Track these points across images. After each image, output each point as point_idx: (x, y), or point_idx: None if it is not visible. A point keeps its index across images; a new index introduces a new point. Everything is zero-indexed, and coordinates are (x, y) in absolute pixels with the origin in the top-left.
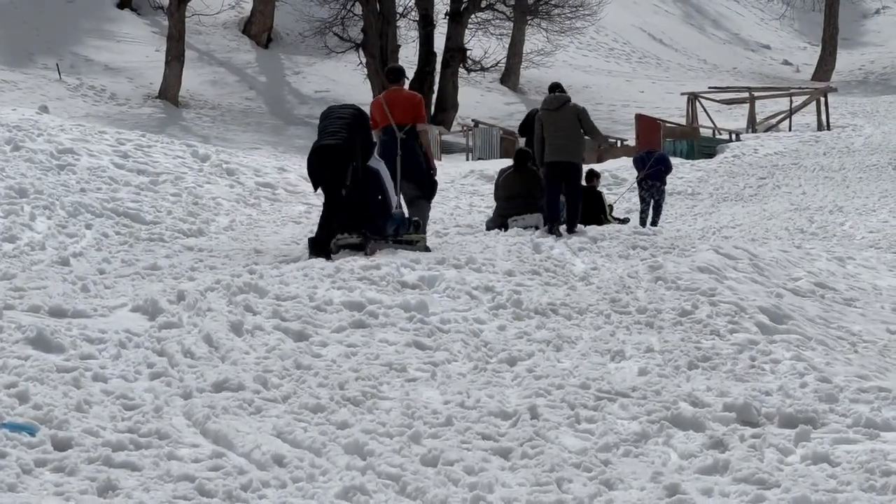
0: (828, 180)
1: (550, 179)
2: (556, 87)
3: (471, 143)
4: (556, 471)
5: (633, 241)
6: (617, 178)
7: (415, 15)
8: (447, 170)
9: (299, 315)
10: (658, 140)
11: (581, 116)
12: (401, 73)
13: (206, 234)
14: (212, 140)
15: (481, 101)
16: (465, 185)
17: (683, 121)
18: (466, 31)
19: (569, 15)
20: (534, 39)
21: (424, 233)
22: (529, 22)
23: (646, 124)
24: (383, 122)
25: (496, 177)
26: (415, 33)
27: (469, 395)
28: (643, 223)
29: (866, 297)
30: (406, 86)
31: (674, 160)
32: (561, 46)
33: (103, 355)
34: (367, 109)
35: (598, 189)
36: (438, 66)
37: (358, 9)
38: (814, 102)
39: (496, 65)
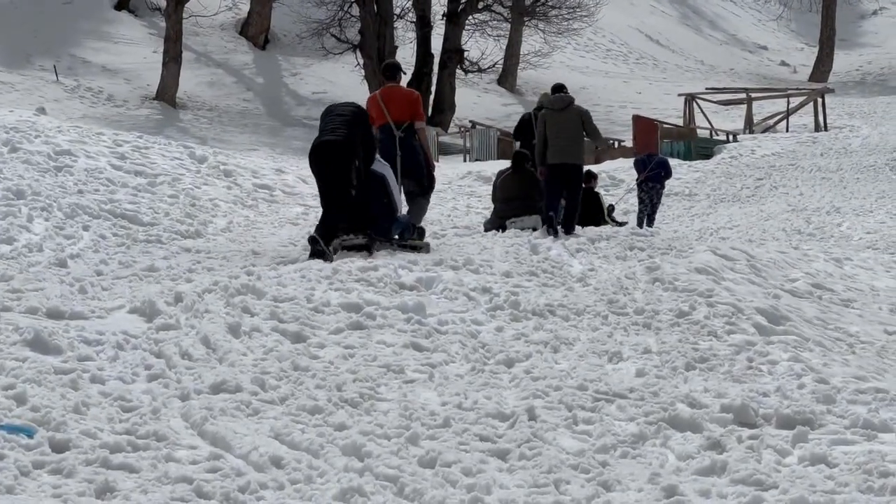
0: (825, 181)
1: (551, 181)
2: (560, 88)
3: (468, 145)
4: (554, 472)
5: (630, 243)
6: (614, 179)
7: (412, 16)
8: (444, 171)
9: (297, 316)
10: (655, 141)
11: (584, 119)
12: (397, 69)
13: (204, 236)
14: (209, 141)
15: (478, 103)
16: (462, 187)
17: (681, 122)
18: (464, 33)
19: (566, 16)
20: (531, 41)
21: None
22: (527, 23)
23: (643, 125)
24: (380, 119)
25: (494, 178)
26: (412, 34)
27: (467, 397)
28: (640, 225)
29: (864, 298)
30: (403, 82)
31: (671, 161)
32: (558, 48)
33: (101, 357)
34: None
35: (596, 190)
36: (436, 68)
37: (355, 10)
38: (811, 103)
39: (493, 66)
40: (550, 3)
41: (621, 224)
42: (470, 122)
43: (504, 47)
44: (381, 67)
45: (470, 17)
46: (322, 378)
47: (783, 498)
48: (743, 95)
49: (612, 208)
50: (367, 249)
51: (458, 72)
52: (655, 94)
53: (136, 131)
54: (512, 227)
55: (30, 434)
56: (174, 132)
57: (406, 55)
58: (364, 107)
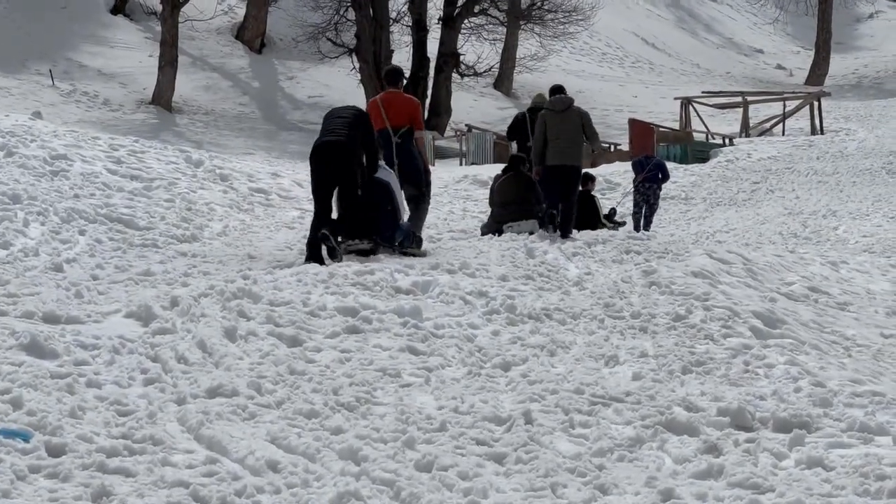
0: (821, 185)
1: (549, 182)
2: (559, 90)
3: (464, 148)
4: (551, 476)
5: (626, 246)
6: (610, 182)
7: (408, 20)
8: (441, 175)
9: (293, 320)
10: (652, 145)
11: (584, 121)
12: (399, 75)
13: (200, 240)
14: (205, 145)
15: (475, 106)
16: (458, 190)
17: (677, 125)
18: (460, 36)
19: (562, 20)
20: (527, 44)
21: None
22: (523, 27)
23: (639, 129)
24: (379, 124)
25: (491, 182)
26: (408, 38)
27: (463, 401)
28: (637, 226)
29: (860, 301)
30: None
31: (668, 165)
32: (554, 51)
33: (97, 361)
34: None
35: (593, 193)
36: (432, 72)
37: (351, 14)
38: (807, 107)
39: (489, 70)
40: (546, 7)
41: (621, 224)
42: (466, 125)
43: (500, 51)
44: (383, 72)
45: (466, 21)
46: (318, 382)
47: (780, 501)
48: (739, 99)
49: (613, 212)
50: (371, 254)
51: (454, 76)
52: (651, 98)
53: (132, 135)
54: (509, 232)
55: (26, 438)
56: (170, 136)
57: (402, 59)
58: (365, 110)
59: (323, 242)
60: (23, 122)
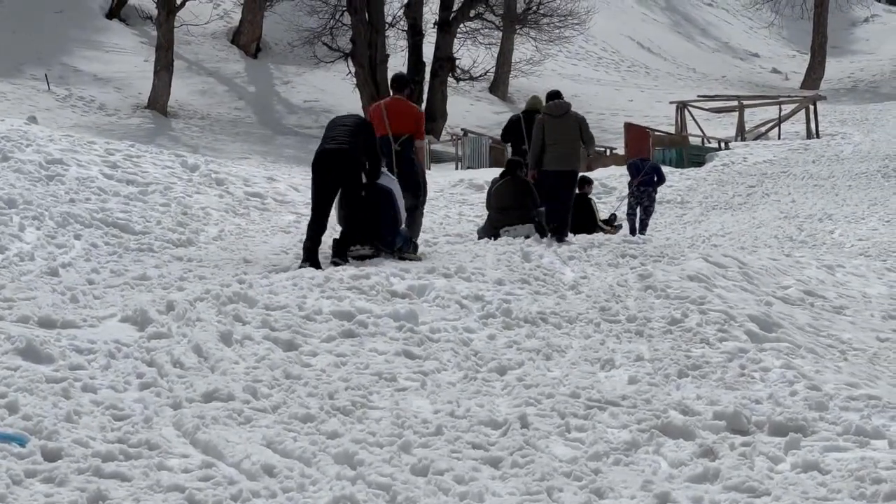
0: (817, 188)
1: (548, 187)
2: (556, 95)
3: (460, 153)
4: (547, 480)
5: (622, 250)
6: (606, 186)
7: (404, 24)
8: (436, 179)
9: (289, 325)
10: (647, 149)
11: (582, 126)
12: (406, 82)
13: (196, 244)
14: (201, 150)
15: (470, 111)
16: (454, 195)
17: (672, 129)
18: (455, 41)
19: (557, 24)
20: (522, 48)
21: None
22: (518, 31)
23: (635, 133)
24: (380, 130)
25: (488, 186)
26: (404, 43)
27: (459, 405)
28: (632, 229)
29: (856, 305)
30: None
31: (663, 168)
32: (550, 55)
33: (93, 366)
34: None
35: (590, 196)
36: (427, 76)
37: (347, 18)
38: (803, 110)
39: (485, 74)
40: (542, 12)
41: (617, 227)
42: (462, 129)
43: (495, 55)
44: (391, 79)
45: (461, 26)
46: (314, 386)
47: None
48: (735, 103)
49: (613, 217)
50: (370, 258)
51: (450, 80)
52: (647, 102)
53: (127, 140)
54: (506, 237)
55: (22, 443)
56: (166, 141)
57: (398, 63)
58: (367, 117)
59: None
60: (18, 126)
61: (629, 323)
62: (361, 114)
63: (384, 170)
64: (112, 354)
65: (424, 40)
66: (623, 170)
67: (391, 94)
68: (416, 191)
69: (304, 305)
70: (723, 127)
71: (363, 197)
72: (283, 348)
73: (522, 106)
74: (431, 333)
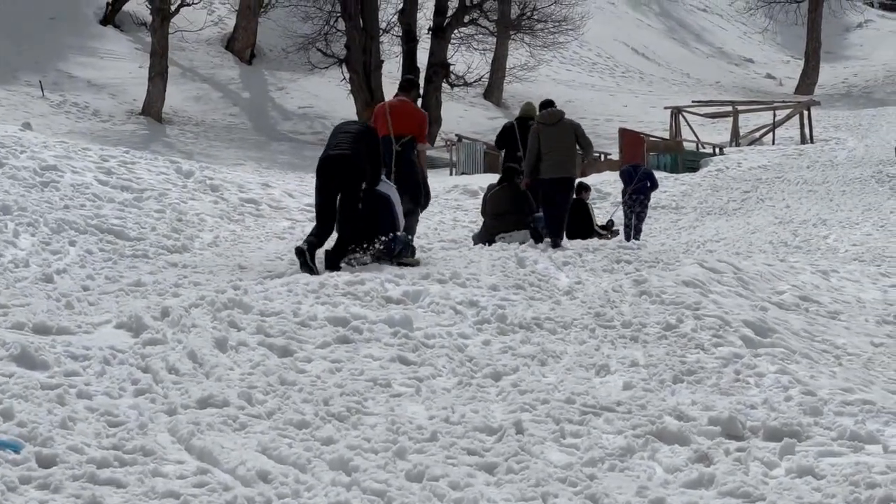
0: (811, 194)
1: (547, 195)
2: (549, 104)
3: (454, 158)
4: (542, 485)
5: (617, 256)
6: (601, 192)
7: (398, 30)
8: (431, 184)
9: (283, 331)
10: (642, 154)
11: (578, 132)
12: (413, 84)
13: (190, 251)
14: (195, 156)
15: (465, 116)
16: (448, 200)
17: (667, 135)
18: (449, 47)
19: (552, 29)
20: (517, 54)
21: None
22: (512, 37)
23: (630, 138)
24: (382, 130)
25: (483, 192)
26: (398, 49)
27: (454, 411)
28: (628, 237)
29: (850, 310)
30: (389, 95)
31: (658, 174)
32: (544, 61)
33: (87, 372)
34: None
35: (587, 202)
36: (422, 82)
37: (341, 24)
38: (797, 116)
39: (479, 80)
40: (536, 17)
41: (614, 234)
42: (456, 135)
43: (490, 61)
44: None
45: (456, 32)
46: (309, 392)
47: None
48: (729, 108)
49: (611, 223)
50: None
51: (444, 86)
52: (641, 108)
53: (122, 146)
54: (501, 242)
55: (16, 449)
56: (160, 147)
57: (392, 69)
58: (372, 124)
59: (298, 256)
60: (12, 133)
61: (624, 328)
62: (356, 118)
63: (382, 177)
64: (107, 361)
65: (419, 46)
66: (617, 175)
67: (397, 94)
68: (415, 193)
69: (299, 311)
70: (717, 132)
71: (361, 204)
72: (278, 354)
73: (517, 112)
74: (426, 339)
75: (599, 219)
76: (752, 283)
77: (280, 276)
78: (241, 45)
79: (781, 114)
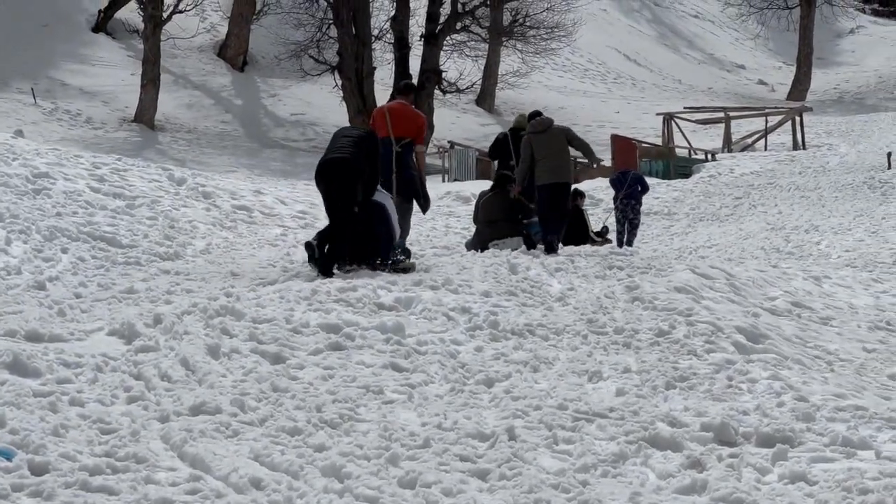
0: (803, 199)
1: (544, 202)
2: (536, 115)
3: (447, 165)
4: (535, 492)
5: (609, 262)
6: (593, 198)
7: (390, 37)
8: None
9: (276, 338)
10: (634, 160)
11: (569, 136)
12: (411, 87)
13: (183, 258)
14: (188, 163)
15: (457, 123)
16: (441, 207)
17: (659, 141)
18: (442, 53)
19: (544, 36)
20: (509, 61)
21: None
22: (504, 43)
23: (622, 145)
24: (382, 132)
25: (475, 199)
26: (390, 55)
27: (446, 417)
28: (620, 244)
29: (842, 315)
30: (382, 101)
31: (650, 180)
32: (536, 67)
33: (80, 379)
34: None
35: (582, 208)
36: None
37: (333, 31)
38: (789, 122)
39: (472, 86)
40: (528, 24)
41: (608, 240)
42: (448, 142)
43: (482, 68)
44: (399, 84)
45: (448, 38)
46: (301, 399)
47: None
48: (721, 114)
49: (606, 230)
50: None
51: (437, 92)
52: (633, 114)
53: (114, 154)
54: (493, 249)
55: (8, 457)
56: (153, 154)
57: (384, 76)
58: (372, 130)
59: (308, 249)
60: (4, 140)
61: (616, 335)
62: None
63: (379, 186)
64: (99, 368)
65: (411, 53)
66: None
67: (396, 97)
68: (410, 194)
69: (292, 318)
70: (709, 138)
71: (356, 213)
72: (271, 361)
73: (508, 118)
74: (419, 346)
75: (594, 225)
76: (745, 289)
77: (272, 283)
78: (234, 52)
79: (773, 120)
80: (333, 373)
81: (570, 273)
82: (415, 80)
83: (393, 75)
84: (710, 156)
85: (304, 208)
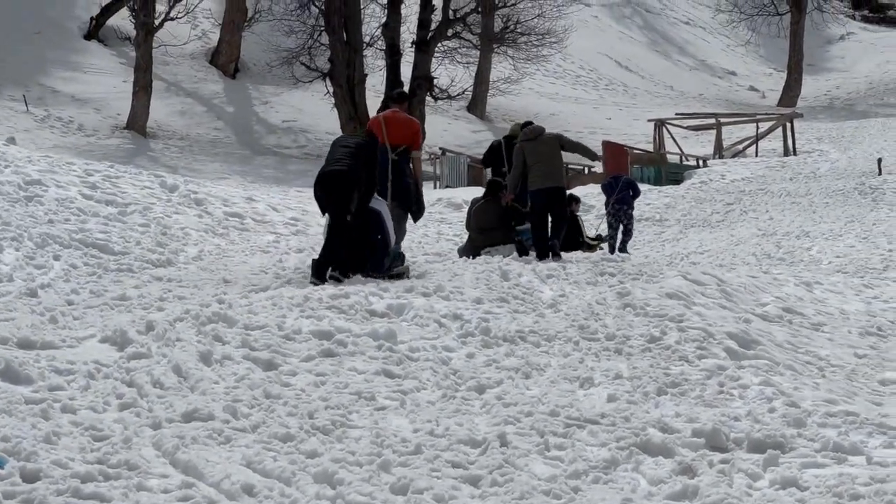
0: (794, 205)
1: (538, 207)
2: (528, 124)
3: (438, 172)
4: (526, 498)
5: (601, 268)
6: (585, 204)
7: (382, 44)
8: None
9: (268, 344)
10: (625, 165)
11: (562, 141)
12: (405, 97)
13: (175, 265)
14: (180, 170)
15: (448, 129)
16: (433, 214)
17: (651, 147)
18: (433, 60)
19: (535, 42)
20: (500, 67)
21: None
22: (496, 50)
23: (613, 151)
24: (378, 140)
25: (467, 206)
26: (382, 62)
27: (438, 423)
28: (612, 249)
29: (833, 321)
30: (374, 109)
31: (641, 186)
32: (527, 74)
33: (72, 386)
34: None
35: (577, 214)
36: None
37: (325, 38)
38: (780, 128)
39: (463, 93)
40: (519, 30)
41: (599, 247)
42: (440, 148)
43: (473, 74)
44: (393, 92)
45: (439, 45)
46: (294, 405)
47: None
48: (712, 121)
49: (599, 236)
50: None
51: (428, 99)
52: (625, 120)
53: (106, 161)
54: (485, 256)
55: (0, 464)
56: (145, 161)
57: (376, 83)
58: (369, 138)
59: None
60: None
61: (608, 341)
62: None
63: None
64: (91, 375)
65: (402, 59)
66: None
67: (390, 105)
68: (407, 201)
69: (284, 325)
70: (700, 145)
71: (351, 220)
72: (263, 368)
73: (500, 125)
74: (410, 352)
75: (589, 231)
76: (736, 295)
77: (265, 289)
78: (225, 59)
79: (764, 126)
80: (325, 379)
81: (562, 279)
82: (406, 87)
83: (384, 82)
84: (701, 162)
85: (296, 215)
